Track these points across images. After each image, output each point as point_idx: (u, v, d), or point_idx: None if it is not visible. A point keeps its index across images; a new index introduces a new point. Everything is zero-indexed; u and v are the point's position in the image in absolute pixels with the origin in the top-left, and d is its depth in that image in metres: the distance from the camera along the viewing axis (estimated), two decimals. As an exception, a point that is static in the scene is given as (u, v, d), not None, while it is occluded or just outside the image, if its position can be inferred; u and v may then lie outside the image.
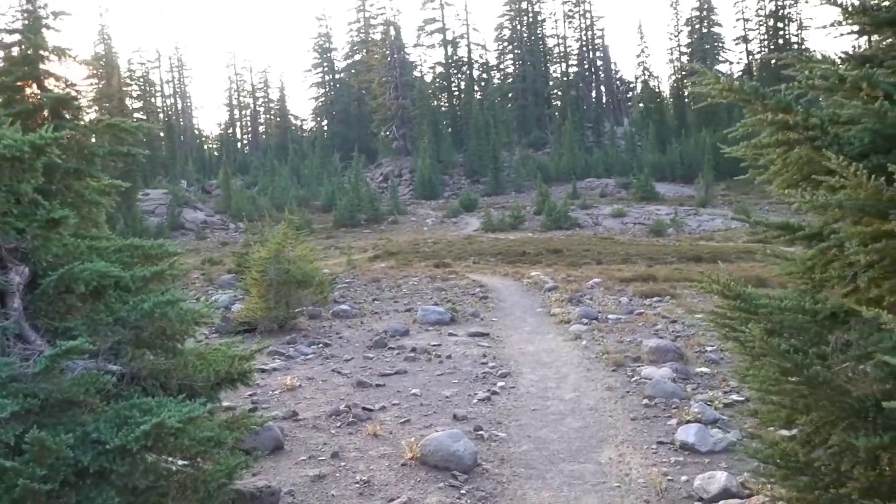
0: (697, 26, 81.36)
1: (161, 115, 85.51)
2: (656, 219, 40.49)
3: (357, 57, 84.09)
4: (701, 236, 37.47)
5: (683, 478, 4.61)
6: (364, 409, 6.49)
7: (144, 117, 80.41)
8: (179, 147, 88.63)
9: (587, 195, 50.91)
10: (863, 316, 2.36)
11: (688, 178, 55.32)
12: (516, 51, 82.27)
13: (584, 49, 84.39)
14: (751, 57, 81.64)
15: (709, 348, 8.51)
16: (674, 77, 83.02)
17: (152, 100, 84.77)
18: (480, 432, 5.74)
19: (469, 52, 77.60)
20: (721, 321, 3.06)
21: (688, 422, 5.56)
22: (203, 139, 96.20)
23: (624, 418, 5.98)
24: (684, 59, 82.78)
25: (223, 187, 58.06)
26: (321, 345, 9.78)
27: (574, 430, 5.78)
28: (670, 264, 26.32)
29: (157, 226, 47.52)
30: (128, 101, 77.72)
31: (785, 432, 2.88)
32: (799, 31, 78.60)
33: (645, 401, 6.35)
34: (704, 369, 7.48)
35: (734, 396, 6.32)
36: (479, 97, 71.73)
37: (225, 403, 6.66)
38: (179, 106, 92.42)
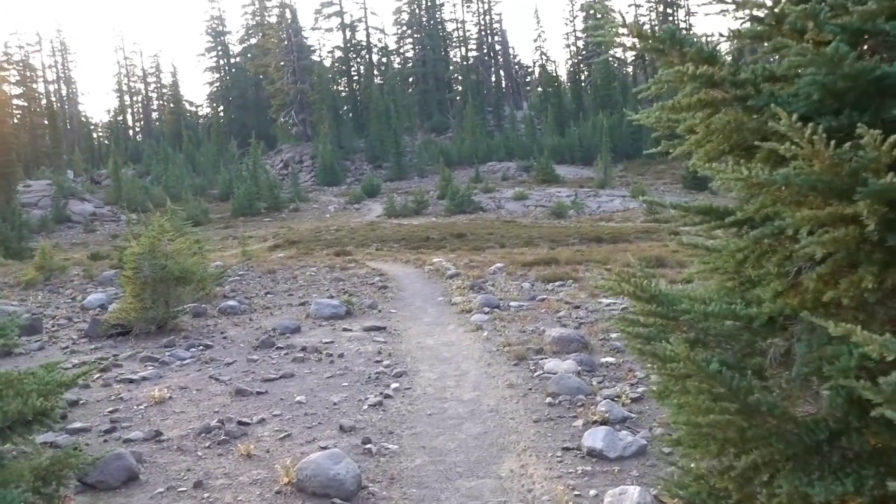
0: (591, 11, 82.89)
1: (44, 102, 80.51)
2: (557, 201, 40.83)
3: (253, 41, 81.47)
4: (601, 217, 38.01)
5: (592, 492, 4.13)
6: (240, 423, 5.74)
7: (25, 104, 75.54)
8: (66, 135, 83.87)
9: (489, 179, 50.96)
10: (809, 321, 1.88)
11: (587, 160, 56.26)
12: (416, 35, 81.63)
13: (483, 33, 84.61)
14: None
15: (613, 335, 8.16)
16: (571, 61, 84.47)
17: (33, 85, 79.70)
18: (369, 445, 5.11)
19: (368, 36, 76.50)
20: (633, 330, 2.54)
21: (595, 423, 5.10)
22: (92, 127, 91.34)
23: (526, 420, 5.48)
24: (580, 43, 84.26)
25: (113, 177, 55.27)
26: (201, 347, 8.91)
27: (473, 437, 5.24)
28: (572, 246, 26.44)
29: (40, 219, 44.84)
30: (6, 87, 72.71)
31: (714, 462, 2.38)
32: (687, 17, 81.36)
33: (548, 399, 5.87)
34: (610, 359, 7.10)
35: (641, 389, 5.92)
36: (379, 82, 70.74)
37: (77, 425, 5.82)
38: (64, 92, 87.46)
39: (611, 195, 44.29)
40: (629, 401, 5.66)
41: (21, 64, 78.78)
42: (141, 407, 6.37)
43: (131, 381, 7.29)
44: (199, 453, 5.15)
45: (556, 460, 4.61)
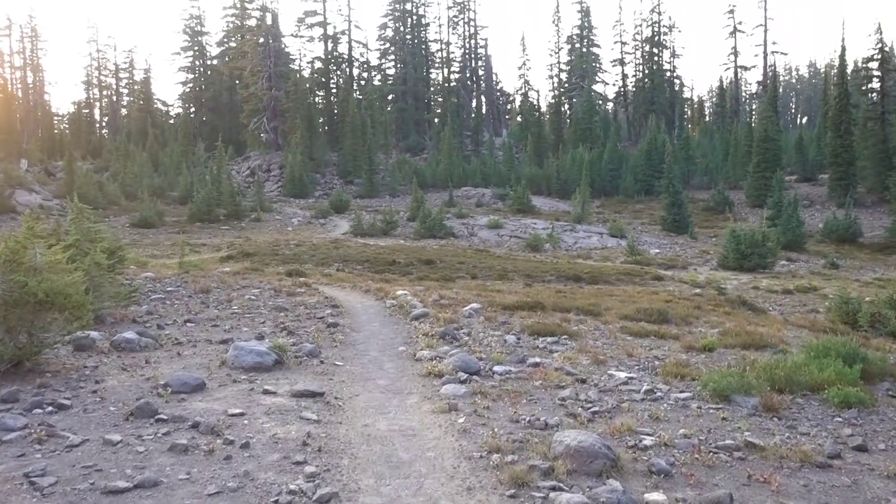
0: (577, 45, 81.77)
1: (9, 88, 76.91)
2: (533, 233, 38.77)
3: (232, 44, 78.76)
4: (578, 254, 35.97)
5: None
6: None
7: (-15, 87, 71.87)
8: (28, 124, 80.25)
9: (463, 204, 48.83)
10: None
11: (563, 193, 54.62)
12: (398, 52, 79.70)
13: (467, 57, 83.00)
14: (625, 79, 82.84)
15: (646, 441, 5.64)
16: (553, 92, 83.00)
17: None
18: None
19: (350, 49, 74.30)
20: None
21: None
22: (57, 118, 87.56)
23: None
24: (563, 75, 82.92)
25: (66, 170, 52.29)
26: (51, 408, 6.16)
27: None
28: (549, 283, 24.21)
29: (-20, 207, 41.81)
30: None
31: None
32: (672, 59, 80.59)
33: None
34: (658, 496, 4.54)
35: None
36: (358, 97, 68.41)
37: None
38: (31, 79, 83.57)
39: (588, 231, 42.35)
40: None
41: (-16, 47, 75.62)
42: None
43: None
44: None
45: None
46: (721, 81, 79.34)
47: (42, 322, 7.41)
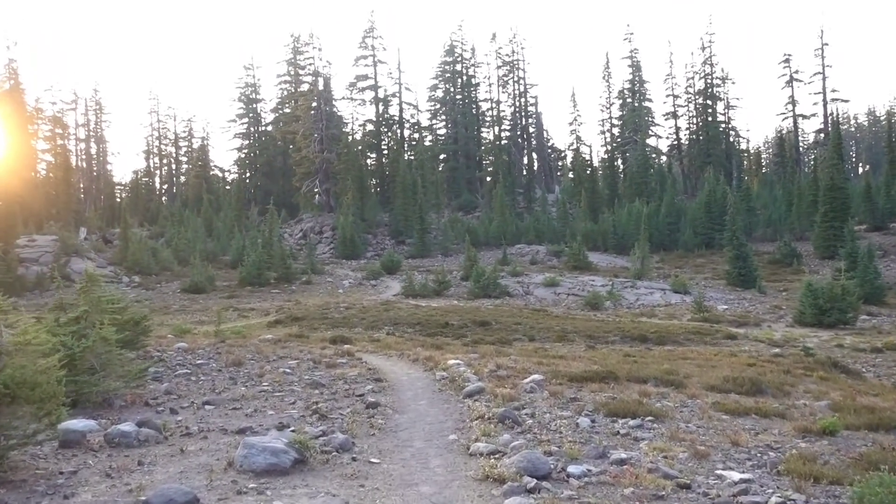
0: (629, 100, 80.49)
1: (73, 159, 79.27)
2: (592, 290, 36.76)
3: (286, 110, 80.00)
4: (641, 312, 33.76)
5: None
6: None
7: (52, 159, 74.04)
8: (90, 193, 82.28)
9: (517, 261, 47.17)
10: None
11: (620, 248, 52.76)
12: (449, 112, 79.67)
13: (518, 114, 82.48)
14: (679, 132, 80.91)
15: None
16: (606, 147, 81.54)
17: (64, 142, 78.36)
18: None
19: (401, 110, 74.62)
20: None
21: None
22: (119, 187, 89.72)
23: None
24: (615, 130, 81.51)
25: (121, 237, 52.59)
26: (-14, 542, 4.74)
27: None
28: (613, 344, 22.33)
29: (36, 276, 41.77)
30: (32, 142, 71.23)
31: None
32: (726, 111, 78.39)
33: None
34: None
35: None
36: (409, 157, 68.23)
37: None
38: (94, 150, 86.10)
39: (650, 287, 40.12)
40: None
41: (50, 120, 78.18)
42: None
43: None
44: None
45: None
46: (778, 132, 76.92)
47: (7, 419, 6.00)
